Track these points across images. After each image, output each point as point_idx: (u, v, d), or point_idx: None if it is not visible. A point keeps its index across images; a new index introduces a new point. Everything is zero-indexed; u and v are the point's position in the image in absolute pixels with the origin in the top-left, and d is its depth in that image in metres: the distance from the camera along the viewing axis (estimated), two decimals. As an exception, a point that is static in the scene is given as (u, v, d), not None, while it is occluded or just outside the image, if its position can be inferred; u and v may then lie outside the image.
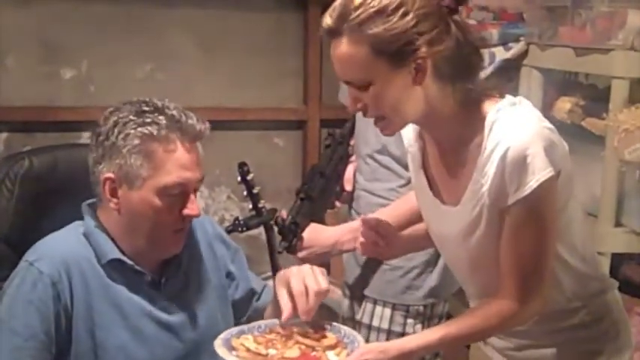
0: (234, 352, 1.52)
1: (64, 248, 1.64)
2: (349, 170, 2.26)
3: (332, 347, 1.56)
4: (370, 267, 2.19)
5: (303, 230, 2.08)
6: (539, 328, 1.61)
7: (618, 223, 2.37)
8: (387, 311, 2.17)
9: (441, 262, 2.14)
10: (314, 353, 1.53)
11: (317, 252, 2.08)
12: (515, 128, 1.44)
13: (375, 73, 1.42)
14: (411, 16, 1.39)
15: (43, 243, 1.66)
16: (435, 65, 1.43)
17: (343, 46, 1.43)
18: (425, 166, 1.63)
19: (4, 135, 3.29)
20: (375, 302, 2.19)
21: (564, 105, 2.52)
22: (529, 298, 1.49)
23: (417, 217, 1.81)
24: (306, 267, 1.61)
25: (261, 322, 1.65)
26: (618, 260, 2.42)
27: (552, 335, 1.63)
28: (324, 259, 2.08)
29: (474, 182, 1.49)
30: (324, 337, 1.59)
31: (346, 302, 2.31)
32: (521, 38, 2.79)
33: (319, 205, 2.17)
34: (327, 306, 2.90)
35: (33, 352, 1.56)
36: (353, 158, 2.28)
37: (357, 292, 2.26)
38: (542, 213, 1.46)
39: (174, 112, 1.62)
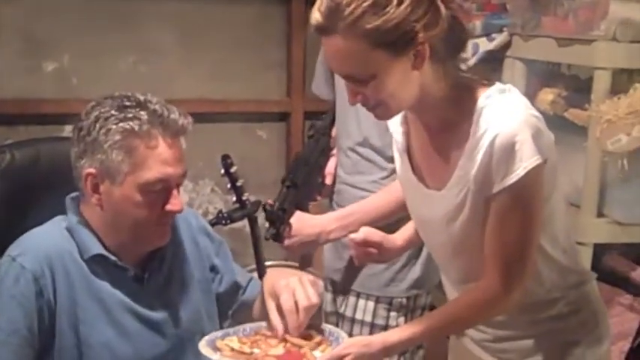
0: (218, 353, 1.52)
1: (47, 243, 1.63)
2: (330, 164, 2.26)
3: (317, 346, 1.57)
4: (352, 260, 2.19)
5: (290, 217, 2.07)
6: (517, 319, 1.62)
7: (600, 214, 2.38)
8: (370, 304, 2.17)
9: (424, 254, 2.14)
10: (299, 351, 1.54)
11: (303, 240, 2.07)
12: (504, 115, 1.44)
13: (375, 65, 1.41)
14: (406, 3, 1.38)
15: (25, 238, 1.65)
16: (431, 48, 1.42)
17: (339, 43, 1.41)
18: (409, 151, 1.64)
19: (-14, 128, 3.27)
20: (358, 295, 2.20)
21: (547, 96, 2.52)
22: (512, 286, 1.50)
23: (400, 207, 1.81)
24: (295, 280, 1.61)
25: (247, 325, 1.65)
26: (600, 250, 2.44)
27: (530, 326, 1.64)
28: (309, 249, 2.10)
29: (461, 167, 1.49)
30: (310, 337, 1.60)
31: (329, 296, 2.30)
32: (505, 29, 2.79)
33: (304, 193, 2.16)
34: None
35: (15, 348, 1.55)
36: (334, 152, 2.28)
37: (339, 286, 2.27)
38: (528, 201, 1.47)
39: (157, 107, 1.61)
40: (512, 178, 1.43)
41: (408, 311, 2.18)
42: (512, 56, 2.74)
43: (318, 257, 3.00)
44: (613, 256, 2.56)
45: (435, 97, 1.49)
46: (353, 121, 2.16)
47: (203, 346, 1.54)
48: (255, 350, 1.55)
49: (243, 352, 1.53)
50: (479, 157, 1.45)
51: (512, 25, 2.75)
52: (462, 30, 1.48)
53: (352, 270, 2.20)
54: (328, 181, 2.25)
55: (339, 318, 2.25)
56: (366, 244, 1.77)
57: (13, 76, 3.26)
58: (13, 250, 1.62)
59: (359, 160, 2.17)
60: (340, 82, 2.16)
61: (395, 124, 1.66)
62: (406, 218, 1.83)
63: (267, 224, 2.08)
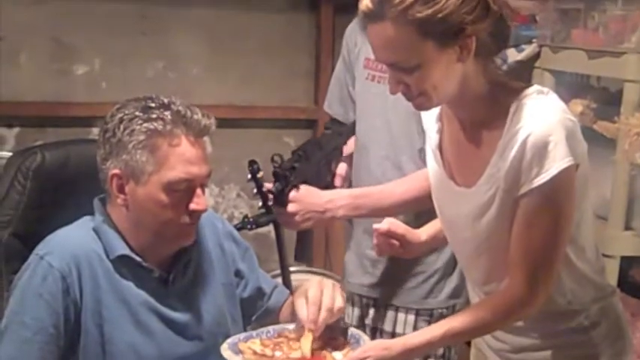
0: (240, 355, 1.53)
1: (75, 243, 1.65)
2: (341, 167, 2.20)
3: (338, 348, 1.57)
4: (387, 274, 2.16)
5: (297, 181, 1.96)
6: (536, 327, 1.61)
7: (628, 227, 2.37)
8: (411, 317, 2.14)
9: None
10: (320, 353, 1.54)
11: (309, 209, 1.94)
12: (539, 115, 1.44)
13: (422, 55, 1.42)
14: None
15: (53, 237, 1.67)
16: (477, 43, 1.43)
17: (387, 30, 1.41)
18: (441, 148, 1.63)
19: (16, 130, 3.30)
20: (397, 309, 2.16)
21: (576, 107, 2.51)
22: (537, 291, 1.49)
23: (418, 201, 1.82)
24: (328, 282, 1.61)
25: (270, 327, 1.66)
26: (627, 263, 2.42)
27: (549, 337, 1.62)
28: (313, 223, 1.96)
29: (493, 165, 1.48)
30: (332, 338, 1.60)
31: (356, 311, 2.26)
32: (534, 40, 2.78)
33: (313, 173, 2.06)
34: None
35: (41, 346, 1.56)
36: (343, 158, 2.25)
37: (366, 301, 2.22)
38: (558, 203, 1.45)
39: (180, 108, 1.63)
40: (544, 178, 1.42)
41: None
42: (541, 67, 2.74)
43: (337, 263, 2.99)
44: (640, 270, 2.54)
45: (474, 92, 1.49)
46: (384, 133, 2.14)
47: (225, 350, 1.55)
48: (277, 353, 1.55)
49: (264, 355, 1.54)
50: (511, 155, 1.44)
51: (541, 36, 2.74)
52: (507, 26, 1.48)
53: (387, 285, 2.17)
54: (337, 183, 2.19)
55: (376, 332, 2.20)
56: (389, 235, 1.75)
57: (43, 80, 3.30)
58: (41, 249, 1.64)
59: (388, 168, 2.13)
60: (364, 91, 2.16)
61: (430, 121, 1.66)
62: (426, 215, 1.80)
63: (273, 180, 1.95)
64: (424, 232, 1.82)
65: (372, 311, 2.22)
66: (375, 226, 1.77)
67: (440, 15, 1.38)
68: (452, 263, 2.11)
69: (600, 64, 2.41)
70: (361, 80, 2.19)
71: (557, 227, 1.46)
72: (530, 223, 1.46)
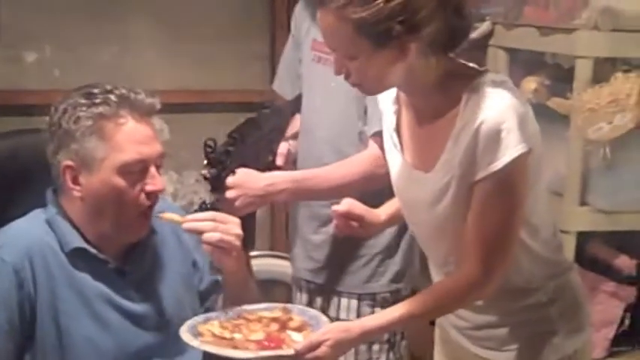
0: (199, 338, 1.52)
1: (27, 236, 1.63)
2: (283, 146, 2.14)
3: (298, 329, 1.57)
4: (329, 259, 2.14)
5: (233, 166, 1.89)
6: (494, 305, 1.62)
7: (583, 202, 2.39)
8: (354, 302, 2.12)
9: (403, 245, 2.11)
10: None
11: (249, 194, 1.87)
12: (491, 102, 1.44)
13: (359, 51, 1.43)
14: (397, 1, 1.37)
15: (5, 231, 1.64)
16: (419, 46, 1.43)
17: (329, 18, 1.43)
18: (398, 130, 1.64)
19: (-34, 120, 3.24)
20: (339, 294, 2.13)
21: (530, 85, 2.52)
22: (492, 273, 1.50)
23: (362, 183, 1.88)
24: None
25: (229, 309, 1.65)
26: (584, 239, 2.44)
27: (508, 314, 1.64)
28: (254, 205, 1.91)
29: (447, 152, 1.49)
30: (290, 319, 1.60)
31: (304, 297, 2.24)
32: (487, 18, 2.79)
33: (251, 154, 1.98)
34: (283, 282, 2.87)
35: (-4, 342, 1.54)
36: (291, 142, 2.20)
37: (313, 286, 2.21)
38: (512, 189, 1.47)
39: (123, 91, 1.63)
40: (497, 166, 1.43)
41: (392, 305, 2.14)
42: (495, 45, 2.74)
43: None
44: (596, 244, 2.57)
45: (423, 84, 1.50)
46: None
47: (184, 332, 1.54)
48: (237, 335, 1.54)
49: (224, 338, 1.53)
50: (465, 142, 1.45)
51: (494, 14, 2.75)
52: (464, 24, 1.47)
53: (330, 270, 2.14)
54: (279, 162, 2.11)
55: None
56: (348, 216, 1.75)
57: (-8, 67, 3.23)
58: (-8, 243, 1.61)
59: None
60: (309, 73, 2.13)
61: (387, 102, 1.66)
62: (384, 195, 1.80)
63: (206, 164, 1.87)
64: (383, 212, 1.81)
65: (318, 297, 2.20)
66: (334, 207, 1.76)
67: (374, 18, 1.38)
68: (394, 246, 2.10)
69: (552, 41, 2.42)
70: (307, 61, 2.17)
71: (511, 212, 1.48)
72: (484, 209, 1.47)
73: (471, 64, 1.55)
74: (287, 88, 2.32)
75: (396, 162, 1.64)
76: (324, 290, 2.18)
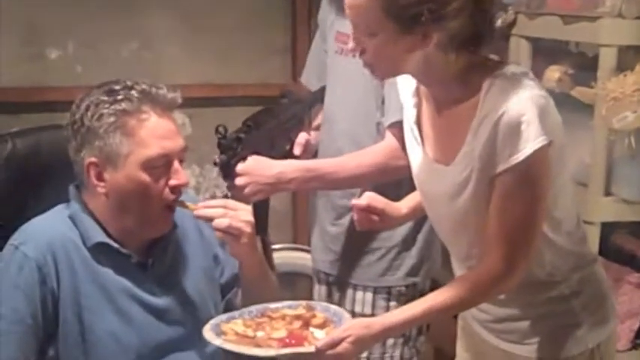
0: (222, 337, 1.52)
1: (50, 231, 1.63)
2: (302, 136, 2.13)
3: (321, 326, 1.56)
4: (345, 251, 2.12)
5: (245, 153, 1.90)
6: (517, 298, 1.61)
7: (608, 193, 2.36)
8: (369, 295, 2.09)
9: (420, 238, 2.09)
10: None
11: (258, 181, 1.88)
12: (511, 94, 1.43)
13: (382, 30, 1.42)
14: None
15: (28, 226, 1.65)
16: (441, 37, 1.42)
17: None
18: (419, 123, 1.62)
19: (-10, 116, 3.27)
20: (355, 287, 2.11)
21: (553, 74, 2.49)
22: (514, 267, 1.49)
23: (374, 175, 1.88)
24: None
25: (253, 307, 1.64)
26: (608, 229, 2.41)
27: (530, 307, 1.63)
28: (263, 193, 1.91)
29: (467, 144, 1.48)
30: (314, 316, 1.60)
31: (322, 289, 2.23)
32: (510, 7, 2.76)
33: (265, 142, 1.99)
34: (305, 274, 2.86)
35: (20, 337, 1.55)
36: (312, 133, 2.20)
37: (333, 279, 2.19)
38: (533, 181, 1.45)
39: (145, 86, 1.63)
40: (518, 158, 1.42)
41: (408, 299, 2.04)
42: (517, 34, 2.71)
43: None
44: (621, 235, 2.54)
45: (440, 75, 1.49)
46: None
47: (207, 331, 1.54)
48: (259, 333, 1.54)
49: (246, 336, 1.53)
50: (485, 135, 1.44)
51: (517, 3, 2.72)
52: (486, 22, 1.46)
53: (346, 262, 2.13)
54: (297, 151, 2.10)
55: None
56: (369, 210, 1.74)
57: (15, 64, 3.25)
58: (15, 238, 1.62)
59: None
60: (333, 65, 2.13)
61: (407, 95, 1.65)
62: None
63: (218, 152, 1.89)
64: (404, 205, 1.80)
65: (335, 289, 2.19)
66: (354, 201, 1.75)
67: (406, 2, 1.38)
68: (410, 240, 2.07)
69: (576, 30, 2.39)
70: (331, 53, 2.16)
71: (533, 204, 1.47)
72: (505, 202, 1.46)
73: (491, 56, 1.53)
74: (313, 80, 2.31)
75: (417, 155, 1.63)
76: (340, 282, 2.17)
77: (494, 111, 1.43)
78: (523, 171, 1.43)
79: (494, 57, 1.53)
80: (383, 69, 1.52)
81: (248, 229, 1.64)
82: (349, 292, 2.13)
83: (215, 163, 1.90)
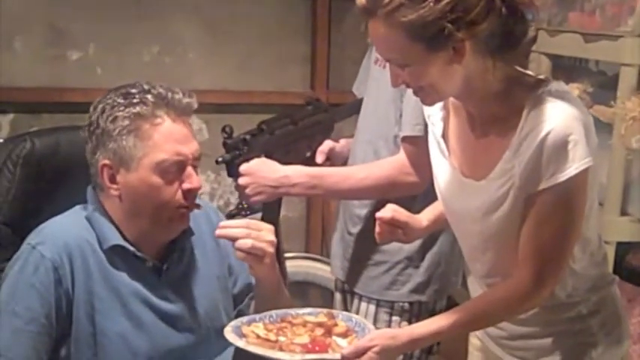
0: (243, 339, 1.52)
1: (67, 232, 1.64)
2: (326, 144, 2.12)
3: (343, 335, 1.56)
4: (357, 262, 2.10)
5: (251, 153, 1.89)
6: (535, 317, 1.59)
7: (624, 212, 2.35)
8: (372, 308, 2.07)
9: (428, 257, 2.04)
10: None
11: (260, 183, 1.88)
12: (557, 113, 1.41)
13: (412, 57, 1.41)
14: (445, 1, 1.35)
15: (45, 226, 1.66)
16: (474, 43, 1.40)
17: (379, 28, 1.41)
18: (445, 137, 1.61)
19: (10, 116, 3.28)
20: (360, 298, 2.10)
21: (573, 92, 2.49)
22: (544, 285, 1.48)
23: (383, 189, 1.86)
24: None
25: (273, 312, 1.64)
26: (624, 249, 2.40)
27: (547, 326, 1.62)
28: (264, 195, 1.91)
29: (506, 161, 1.47)
30: (335, 325, 1.59)
31: (338, 296, 2.23)
32: (531, 23, 2.75)
33: (277, 145, 1.98)
34: (317, 284, 2.85)
35: (33, 335, 1.56)
36: (342, 141, 2.18)
37: (345, 287, 2.18)
38: (572, 201, 1.44)
39: (161, 90, 1.63)
40: (561, 178, 1.40)
41: (412, 317, 2.04)
42: (537, 51, 2.71)
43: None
44: (636, 255, 2.52)
45: (483, 91, 1.47)
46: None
47: (228, 332, 1.53)
48: (281, 338, 1.54)
49: (268, 340, 1.52)
50: (528, 153, 1.42)
51: (537, 19, 2.71)
52: (518, 23, 1.44)
53: (354, 271, 2.11)
54: (319, 159, 2.08)
55: None
56: (392, 222, 1.71)
57: (37, 65, 3.28)
58: (32, 238, 1.63)
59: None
60: (370, 75, 2.13)
61: (434, 108, 1.63)
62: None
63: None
64: (425, 218, 1.79)
65: (347, 297, 2.17)
66: (379, 214, 1.72)
67: (424, 20, 1.36)
68: (417, 257, 2.03)
69: (597, 48, 2.39)
70: (372, 64, 2.15)
71: (569, 225, 1.46)
72: (542, 220, 1.45)
73: (531, 73, 1.52)
74: (362, 90, 2.28)
75: (444, 169, 1.61)
76: (351, 291, 2.16)
77: (539, 129, 1.41)
78: (564, 191, 1.42)
79: (534, 74, 1.51)
80: (429, 95, 1.48)
81: (271, 249, 1.63)
82: (355, 301, 2.12)
83: (217, 161, 1.90)
